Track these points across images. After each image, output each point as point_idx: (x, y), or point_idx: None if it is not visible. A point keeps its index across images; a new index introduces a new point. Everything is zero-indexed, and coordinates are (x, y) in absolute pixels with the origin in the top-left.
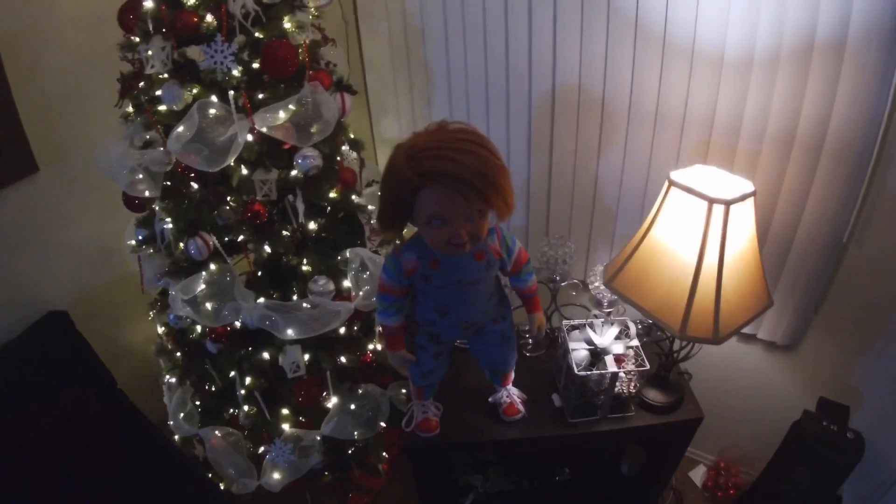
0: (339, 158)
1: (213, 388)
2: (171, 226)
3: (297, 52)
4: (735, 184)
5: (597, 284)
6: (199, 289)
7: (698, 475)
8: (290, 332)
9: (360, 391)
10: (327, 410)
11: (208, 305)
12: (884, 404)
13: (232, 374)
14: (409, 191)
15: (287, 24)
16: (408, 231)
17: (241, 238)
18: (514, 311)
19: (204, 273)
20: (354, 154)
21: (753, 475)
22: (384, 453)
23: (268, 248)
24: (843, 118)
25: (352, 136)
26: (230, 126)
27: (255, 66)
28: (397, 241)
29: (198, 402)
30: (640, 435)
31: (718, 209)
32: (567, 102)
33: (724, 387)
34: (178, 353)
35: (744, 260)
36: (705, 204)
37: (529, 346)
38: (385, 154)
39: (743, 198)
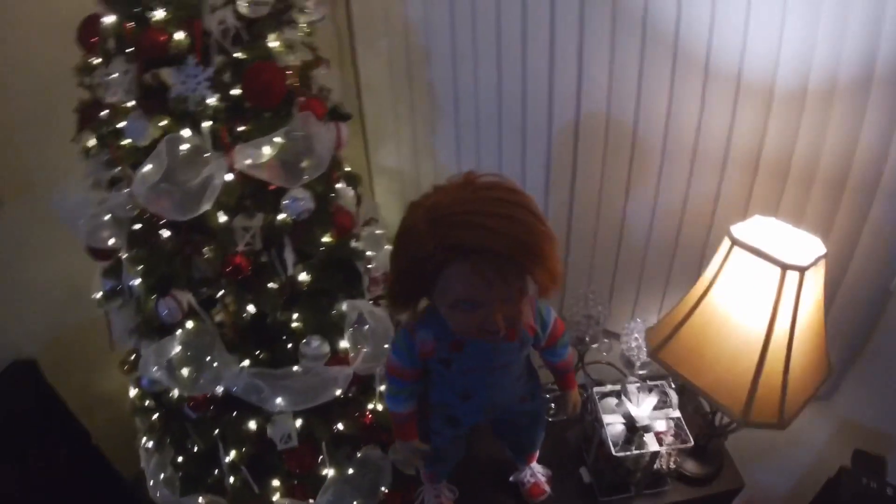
0: (333, 198)
1: (196, 450)
2: (140, 280)
3: (285, 76)
4: (800, 241)
5: (631, 344)
6: (175, 351)
7: None
8: (279, 402)
9: (360, 455)
10: (323, 477)
11: (185, 371)
12: None
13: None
14: (431, 266)
15: (274, 43)
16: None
17: (220, 293)
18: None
19: (179, 333)
20: (351, 191)
21: None
22: None
23: (252, 308)
24: None
25: (347, 169)
26: (205, 165)
27: (236, 92)
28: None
29: (179, 465)
30: None
31: (792, 276)
32: (592, 134)
33: (750, 438)
34: (156, 415)
35: (811, 329)
36: (777, 270)
37: (552, 410)
38: (384, 186)
39: (816, 261)
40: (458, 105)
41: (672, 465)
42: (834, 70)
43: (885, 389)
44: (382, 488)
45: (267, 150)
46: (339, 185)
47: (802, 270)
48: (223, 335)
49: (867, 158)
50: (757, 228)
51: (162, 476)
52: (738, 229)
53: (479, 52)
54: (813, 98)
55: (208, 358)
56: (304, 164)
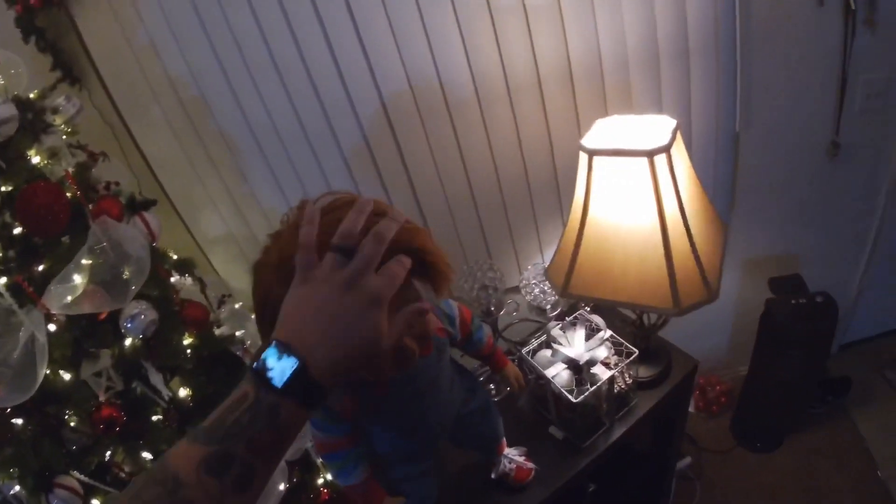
0: (174, 295)
1: None
2: (18, 488)
3: (62, 190)
4: (649, 124)
5: (535, 292)
6: None
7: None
8: None
9: None
10: None
11: None
12: (819, 256)
13: None
14: None
15: (36, 159)
16: None
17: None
18: None
19: None
20: (189, 279)
21: (736, 376)
22: None
23: (147, 454)
24: (698, 11)
25: (174, 257)
26: (20, 328)
27: (17, 231)
28: None
29: None
30: (652, 416)
31: (661, 159)
32: (403, 112)
33: (675, 319)
34: None
35: (695, 197)
36: (644, 161)
37: (494, 390)
38: (220, 258)
39: (674, 135)
40: (259, 141)
41: (629, 381)
42: None
43: (768, 216)
44: None
45: (78, 279)
46: (173, 279)
47: (667, 150)
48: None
49: (669, 28)
50: (603, 132)
51: None
52: (588, 139)
53: (260, 82)
54: None
55: None
56: (125, 274)
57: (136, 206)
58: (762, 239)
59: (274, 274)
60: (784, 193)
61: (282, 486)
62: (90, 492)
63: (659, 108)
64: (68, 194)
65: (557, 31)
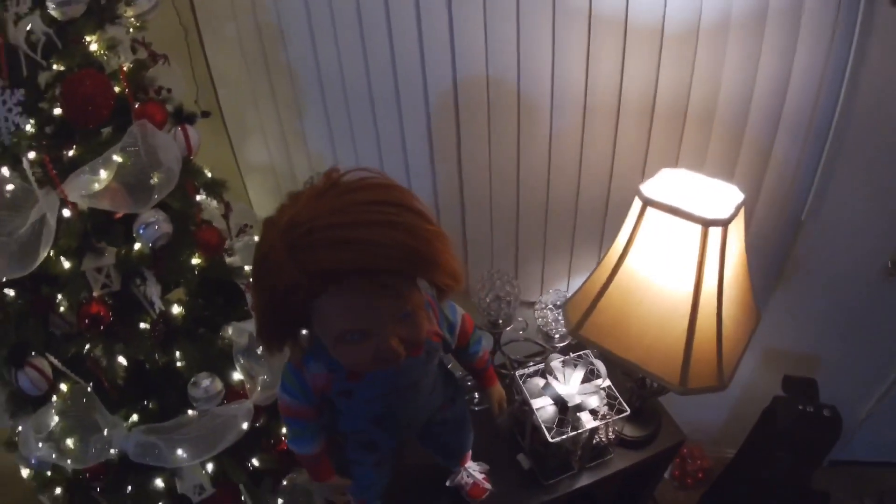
0: (195, 213)
1: None
2: None
3: (110, 84)
4: (712, 190)
5: (548, 318)
6: (54, 423)
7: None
8: (180, 456)
9: (285, 483)
10: None
11: (70, 443)
12: (841, 368)
13: None
14: (299, 298)
15: (94, 46)
16: None
17: (87, 348)
18: None
19: (55, 401)
20: (214, 202)
21: (720, 456)
22: None
23: (123, 360)
24: (800, 88)
25: (209, 175)
26: (34, 206)
27: (57, 112)
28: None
29: None
30: (623, 474)
31: (715, 232)
32: (473, 98)
33: None
34: (59, 490)
35: (738, 281)
36: (698, 228)
37: (477, 400)
38: (256, 187)
39: (736, 211)
40: (323, 86)
41: (612, 436)
42: (727, 4)
43: (803, 314)
44: None
45: (104, 174)
46: (199, 198)
47: (725, 224)
48: (103, 392)
49: (765, 94)
50: (666, 183)
51: None
52: (648, 187)
53: (337, 24)
54: (705, 37)
55: (92, 423)
56: (153, 181)
57: (181, 118)
58: (790, 333)
59: (279, 236)
60: (828, 296)
61: (245, 426)
62: (59, 377)
63: (731, 174)
64: (116, 89)
65: (653, 61)
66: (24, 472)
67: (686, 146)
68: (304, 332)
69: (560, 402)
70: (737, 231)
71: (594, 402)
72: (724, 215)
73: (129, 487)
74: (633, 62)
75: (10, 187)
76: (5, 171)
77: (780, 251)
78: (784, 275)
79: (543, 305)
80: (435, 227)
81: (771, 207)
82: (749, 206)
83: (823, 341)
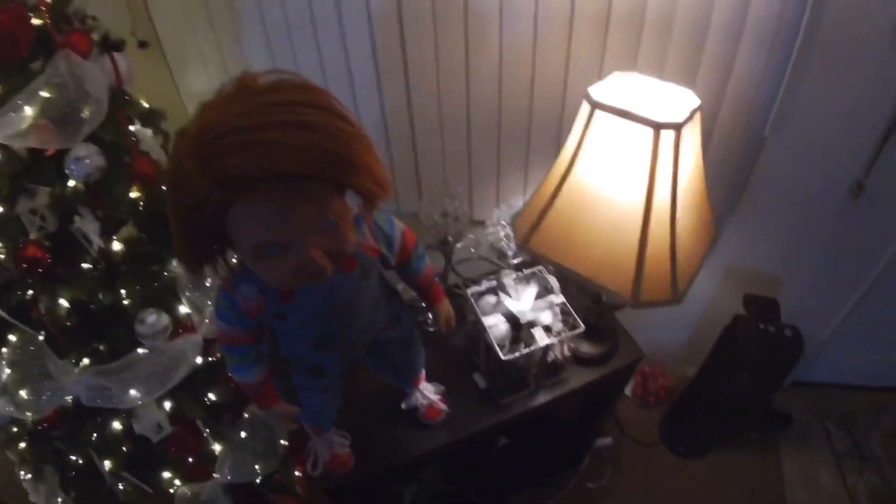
0: (130, 144)
1: (80, 462)
2: None
3: (28, 16)
4: (668, 95)
5: (500, 234)
6: (5, 374)
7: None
8: (133, 396)
9: (246, 416)
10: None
11: (23, 393)
12: (803, 289)
13: None
14: (211, 211)
15: None
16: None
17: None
18: None
19: (4, 353)
20: (150, 132)
21: (682, 376)
22: (295, 470)
23: (65, 302)
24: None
25: (145, 105)
26: None
27: None
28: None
29: (68, 487)
30: (579, 393)
31: (668, 135)
32: (418, 8)
33: None
34: (23, 444)
35: (693, 191)
36: (650, 131)
37: (430, 321)
38: None
39: (692, 115)
40: (262, 9)
41: (567, 353)
42: None
43: (766, 233)
44: (282, 442)
45: (29, 110)
46: (133, 128)
47: (678, 128)
48: (51, 339)
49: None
50: (618, 87)
51: (59, 501)
52: (597, 90)
53: None
54: None
55: (43, 371)
56: (82, 114)
57: (108, 46)
58: (752, 251)
59: (188, 144)
60: (791, 215)
61: (197, 360)
62: (6, 328)
63: (691, 83)
64: (37, 22)
65: None
66: None
67: (643, 55)
68: (230, 252)
69: (512, 320)
70: (692, 137)
71: (547, 318)
72: (678, 119)
73: (92, 434)
74: None
75: None
76: None
77: (741, 168)
78: (746, 193)
79: (496, 221)
80: (354, 129)
81: (733, 121)
82: (710, 119)
83: (786, 262)
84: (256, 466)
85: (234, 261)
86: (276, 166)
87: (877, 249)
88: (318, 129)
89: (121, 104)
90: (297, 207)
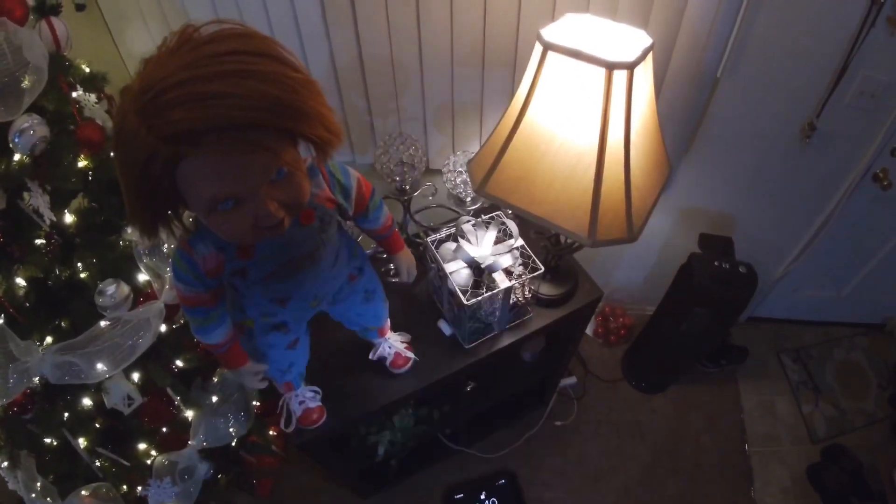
0: (73, 111)
1: (55, 444)
2: None
3: None
4: (620, 35)
5: (456, 180)
6: None
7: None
8: (100, 369)
9: (216, 380)
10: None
11: None
12: (757, 227)
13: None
14: (160, 168)
15: None
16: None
17: None
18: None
19: None
20: (93, 97)
21: (641, 314)
22: (270, 430)
23: (22, 281)
24: None
25: (86, 69)
26: None
27: None
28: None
29: (46, 470)
30: (542, 332)
31: (620, 76)
32: None
33: None
34: None
35: (647, 130)
36: (602, 71)
37: (392, 272)
38: None
39: (644, 55)
40: None
41: (528, 295)
42: None
43: (719, 174)
44: (254, 403)
45: None
46: (75, 94)
47: (630, 67)
48: (11, 321)
49: None
50: (570, 28)
51: (38, 486)
52: (550, 31)
53: None
54: None
55: (6, 353)
56: (24, 83)
57: (45, 10)
58: (706, 192)
59: (130, 103)
60: (744, 156)
61: (161, 328)
62: None
63: (644, 24)
64: None
65: None
66: None
67: None
68: (184, 211)
69: (473, 265)
70: (644, 77)
71: (507, 261)
72: (630, 58)
73: (64, 413)
74: None
75: None
76: None
77: (694, 109)
78: (699, 134)
79: (452, 168)
80: (301, 76)
81: (685, 63)
82: (663, 61)
83: (740, 201)
84: (231, 429)
85: (189, 220)
86: (223, 117)
87: (828, 188)
88: (264, 78)
89: (61, 70)
90: (248, 159)
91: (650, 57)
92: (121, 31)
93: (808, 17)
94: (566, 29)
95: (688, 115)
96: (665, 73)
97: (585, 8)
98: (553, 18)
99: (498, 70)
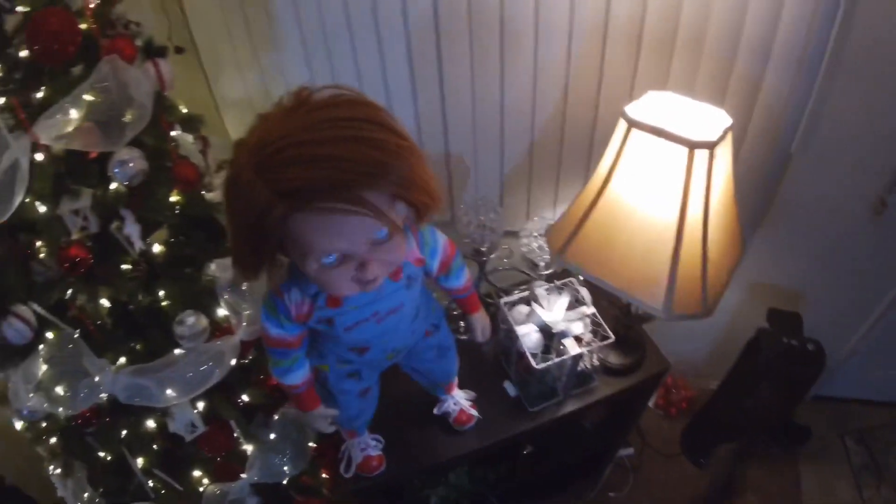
0: (171, 149)
1: (109, 459)
2: None
3: (76, 20)
4: (700, 114)
5: (532, 245)
6: (42, 370)
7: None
8: (169, 395)
9: (276, 418)
10: (245, 451)
11: (59, 390)
12: (826, 304)
13: None
14: (272, 221)
15: None
16: None
17: (69, 293)
18: None
19: (41, 350)
20: (191, 137)
21: (704, 387)
22: (322, 472)
23: (106, 302)
24: (794, 13)
25: (184, 110)
26: (4, 151)
27: (24, 54)
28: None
29: (96, 483)
30: (606, 402)
31: (702, 155)
32: (454, 20)
33: None
34: (53, 440)
35: (724, 208)
36: (684, 150)
37: (462, 329)
38: (234, 122)
39: (724, 135)
40: (299, 14)
41: (595, 362)
42: None
43: (791, 249)
44: (311, 444)
45: (74, 113)
46: (174, 133)
47: (712, 147)
48: (89, 337)
49: (759, 20)
50: (653, 105)
51: (86, 496)
52: (634, 108)
53: None
54: None
55: (80, 369)
56: (126, 118)
57: (152, 52)
58: (776, 267)
59: (248, 156)
60: (815, 231)
61: (232, 361)
62: (44, 325)
63: (720, 101)
64: (83, 25)
65: None
66: (18, 425)
67: (675, 73)
68: (282, 258)
69: (545, 329)
70: (724, 156)
71: (578, 328)
72: (712, 138)
73: (123, 431)
74: None
75: None
76: None
77: (768, 184)
78: (771, 209)
79: (528, 233)
80: (408, 143)
81: (760, 139)
82: (738, 137)
83: (809, 277)
84: (285, 468)
85: (283, 266)
86: (336, 179)
87: None
88: (375, 145)
89: (163, 109)
90: (356, 219)
91: (730, 136)
92: (216, 76)
93: (879, 93)
94: (648, 106)
95: (761, 191)
96: (740, 149)
97: (664, 83)
98: (632, 93)
99: (576, 140)
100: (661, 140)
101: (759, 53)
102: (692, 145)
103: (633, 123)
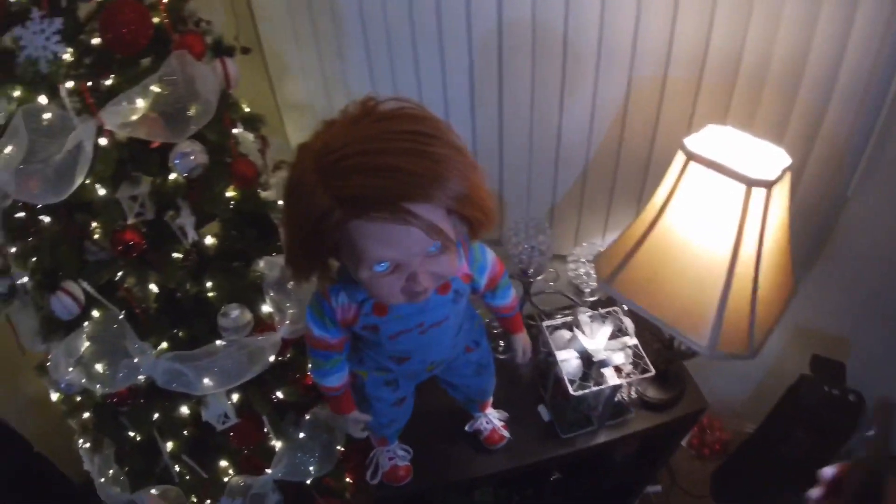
0: (231, 146)
1: (138, 440)
2: (27, 279)
3: (149, 13)
4: (760, 151)
5: (579, 271)
6: (84, 347)
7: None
8: (207, 384)
9: (308, 418)
10: (273, 447)
11: (99, 367)
12: (872, 354)
13: None
14: (330, 225)
15: None
16: None
17: (119, 275)
18: None
19: (86, 327)
20: (251, 136)
21: (739, 430)
22: (346, 476)
23: (154, 287)
24: (857, 53)
25: (246, 109)
26: (70, 133)
27: (96, 41)
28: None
29: (123, 461)
30: (640, 436)
31: (759, 193)
32: (518, 42)
33: None
34: (87, 414)
35: (778, 248)
36: (742, 187)
37: (502, 348)
38: (294, 124)
39: (782, 175)
40: (365, 24)
41: (633, 395)
42: None
43: (840, 295)
44: (338, 447)
45: (141, 103)
46: (235, 130)
47: (770, 186)
48: (134, 320)
49: (822, 57)
50: (712, 139)
51: (111, 473)
52: (693, 141)
53: None
54: None
55: (121, 349)
56: (190, 111)
57: (220, 50)
58: (823, 312)
59: (311, 161)
60: (867, 279)
61: (271, 358)
62: (92, 303)
63: (779, 139)
64: (155, 19)
65: (706, 16)
66: (54, 397)
67: (735, 107)
68: (333, 261)
69: (585, 357)
70: (781, 195)
71: (619, 359)
72: (770, 177)
73: (156, 414)
74: (686, 15)
75: (47, 115)
76: (43, 99)
77: (822, 226)
78: (823, 252)
79: (576, 258)
80: (467, 160)
81: (817, 180)
82: (795, 176)
83: (857, 325)
84: (311, 467)
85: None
86: (396, 190)
87: None
88: (436, 159)
89: (227, 106)
90: (413, 230)
91: (788, 176)
92: (280, 79)
93: None
94: (708, 139)
95: (814, 233)
96: (796, 188)
97: (723, 118)
98: (690, 126)
99: (630, 170)
100: (719, 175)
101: (822, 91)
102: (750, 183)
103: (691, 156)
